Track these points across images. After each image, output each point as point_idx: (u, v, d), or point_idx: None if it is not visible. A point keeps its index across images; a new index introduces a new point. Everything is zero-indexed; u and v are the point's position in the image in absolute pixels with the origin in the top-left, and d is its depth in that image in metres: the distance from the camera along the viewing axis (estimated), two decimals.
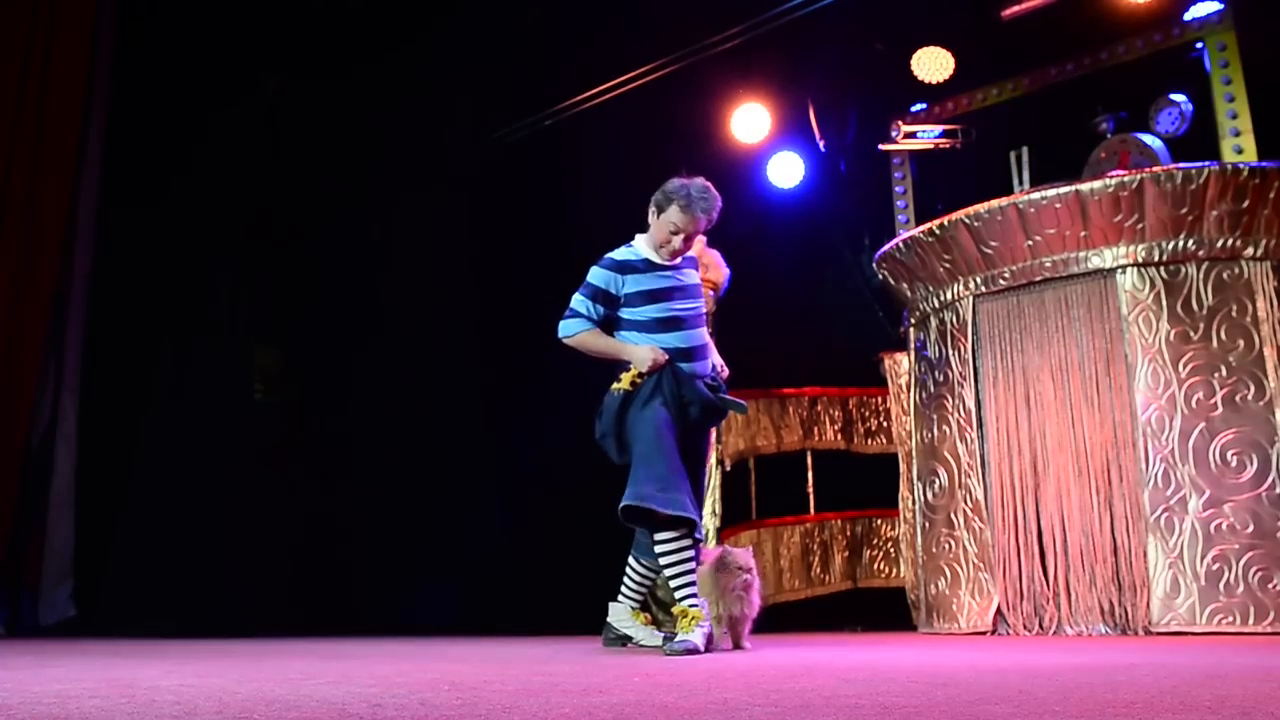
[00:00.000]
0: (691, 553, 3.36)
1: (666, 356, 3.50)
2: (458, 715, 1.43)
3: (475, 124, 6.93)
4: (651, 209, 3.57)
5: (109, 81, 6.68)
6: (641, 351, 3.51)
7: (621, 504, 3.28)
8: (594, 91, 6.54)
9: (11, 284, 6.12)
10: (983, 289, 4.82)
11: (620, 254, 3.62)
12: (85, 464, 6.33)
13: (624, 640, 3.82)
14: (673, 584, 3.38)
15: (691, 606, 3.32)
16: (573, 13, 6.59)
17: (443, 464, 6.62)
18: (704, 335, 3.65)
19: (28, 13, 6.31)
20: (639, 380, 3.49)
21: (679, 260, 3.62)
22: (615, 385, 3.51)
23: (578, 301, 3.60)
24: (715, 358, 3.78)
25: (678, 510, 3.27)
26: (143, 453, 6.34)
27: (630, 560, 3.86)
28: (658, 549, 3.38)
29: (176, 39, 6.68)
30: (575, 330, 3.59)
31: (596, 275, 3.58)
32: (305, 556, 6.95)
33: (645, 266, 3.57)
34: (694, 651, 3.18)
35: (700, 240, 3.84)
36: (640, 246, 3.62)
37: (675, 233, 3.49)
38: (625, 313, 3.60)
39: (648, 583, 3.87)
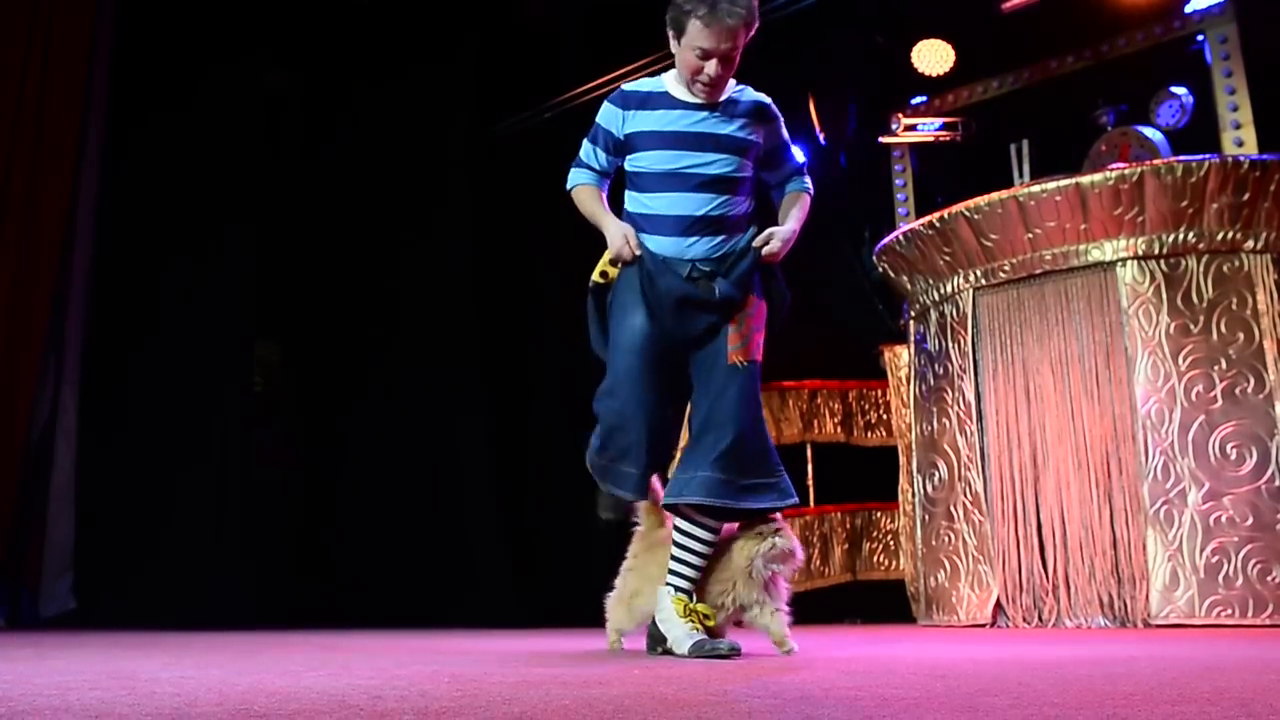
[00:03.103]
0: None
1: (636, 249, 2.71)
2: (457, 707, 1.43)
3: (476, 117, 6.92)
4: (669, 35, 2.71)
5: (107, 78, 6.68)
6: (613, 233, 2.75)
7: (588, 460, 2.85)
8: (595, 84, 6.52)
9: (11, 279, 6.12)
10: (983, 282, 4.82)
11: (634, 83, 2.86)
12: (85, 457, 6.34)
13: (662, 643, 2.76)
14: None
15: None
16: (574, 4, 6.58)
17: (443, 457, 6.62)
18: (716, 204, 2.72)
19: (26, 11, 6.30)
20: (611, 269, 2.79)
21: (723, 97, 2.75)
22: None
23: (582, 146, 2.90)
24: (780, 227, 2.85)
25: (624, 491, 2.74)
26: (143, 445, 6.35)
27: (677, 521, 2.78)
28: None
29: (175, 34, 6.68)
30: (573, 183, 2.91)
31: (601, 111, 2.85)
32: (305, 549, 6.96)
33: (664, 101, 2.75)
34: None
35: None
36: (668, 79, 2.80)
37: (705, 56, 2.61)
38: (631, 162, 2.81)
39: (695, 548, 2.73)
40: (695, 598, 2.74)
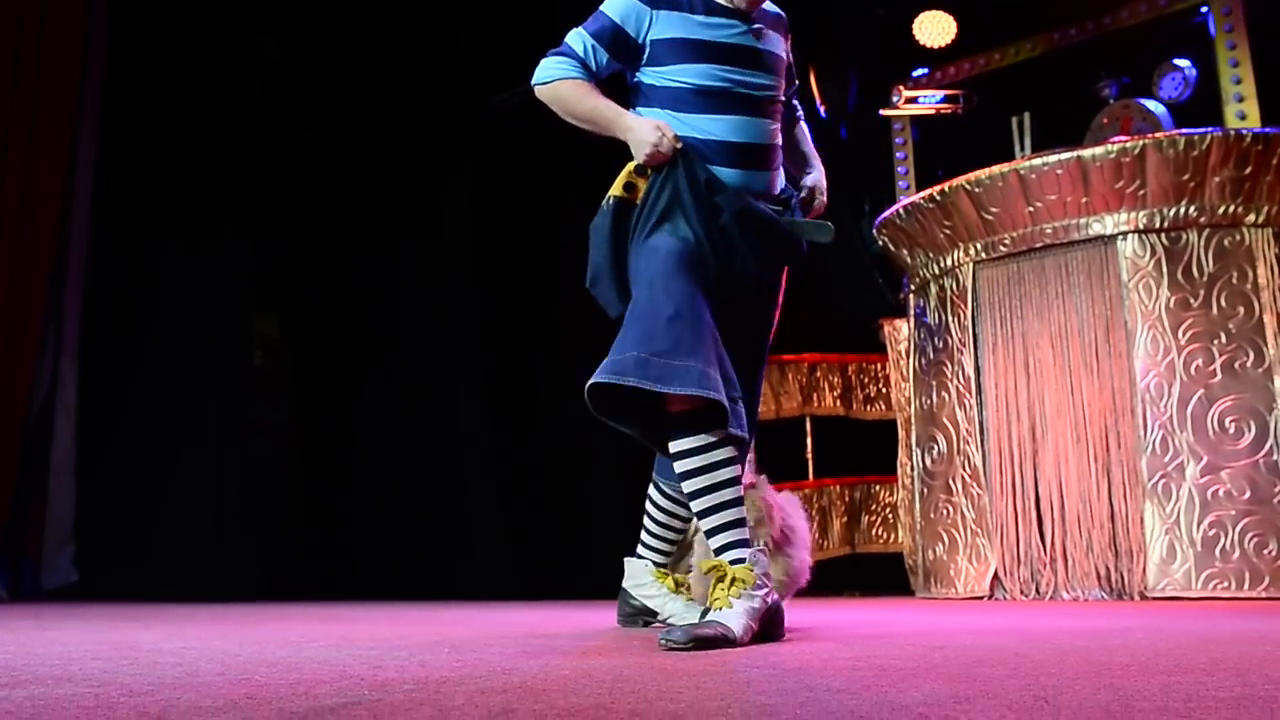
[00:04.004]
0: (730, 466, 2.07)
1: (675, 142, 2.18)
2: (457, 676, 1.44)
3: (474, 87, 6.88)
4: None
5: (103, 49, 6.64)
6: (641, 128, 2.19)
7: (588, 384, 2.03)
8: None
9: (9, 253, 6.11)
10: (983, 255, 4.81)
11: None
12: (86, 430, 6.35)
13: (644, 615, 2.63)
14: (701, 521, 2.10)
15: (735, 562, 2.04)
16: None
17: (443, 430, 6.63)
18: (772, 133, 2.30)
19: None
20: (640, 180, 2.24)
21: (755, 9, 2.33)
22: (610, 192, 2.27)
23: (573, 36, 2.33)
24: (812, 176, 2.49)
25: (688, 387, 1.96)
26: (143, 419, 6.36)
27: (650, 490, 2.62)
28: (675, 463, 2.11)
29: (173, 8, 6.63)
30: (553, 75, 2.30)
31: (613, 3, 2.31)
32: (306, 522, 6.98)
33: (699, 6, 2.28)
34: (718, 642, 1.89)
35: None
36: None
37: None
38: (649, 74, 2.30)
39: (676, 525, 2.61)
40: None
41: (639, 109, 2.33)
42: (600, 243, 2.27)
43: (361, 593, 6.06)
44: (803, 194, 2.44)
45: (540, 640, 2.21)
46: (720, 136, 2.22)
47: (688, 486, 2.09)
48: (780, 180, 2.36)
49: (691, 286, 2.11)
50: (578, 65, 2.31)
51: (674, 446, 2.09)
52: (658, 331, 2.02)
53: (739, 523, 2.08)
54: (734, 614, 1.97)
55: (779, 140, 2.35)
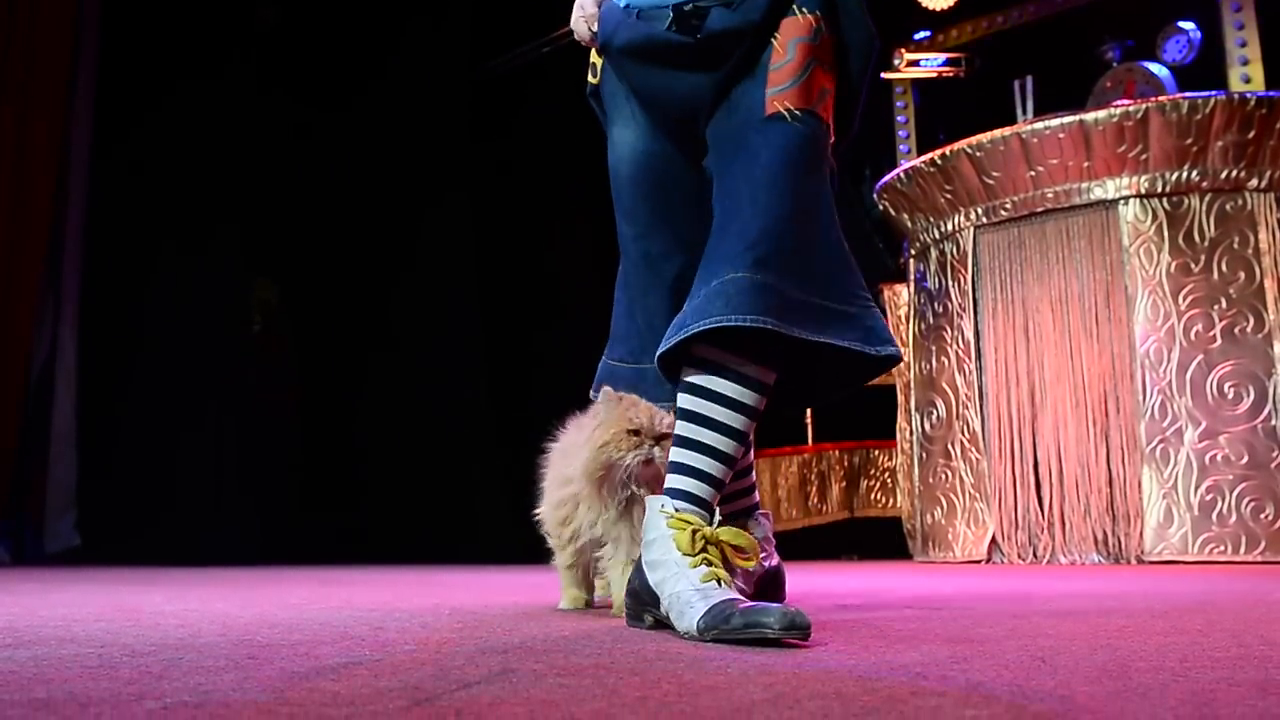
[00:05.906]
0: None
1: (591, 22, 1.89)
2: (459, 637, 1.45)
3: (470, 52, 6.83)
4: None
5: (98, 14, 6.58)
6: (572, 15, 1.95)
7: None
8: None
9: (7, 220, 6.09)
10: (984, 220, 4.79)
11: None
12: (86, 396, 6.36)
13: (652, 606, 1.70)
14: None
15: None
16: None
17: (443, 395, 6.64)
18: None
19: None
20: (597, 63, 1.95)
21: None
22: None
23: None
24: None
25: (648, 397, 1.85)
26: (142, 384, 6.36)
27: None
28: None
29: None
30: None
31: None
32: (307, 487, 7.00)
33: None
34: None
35: None
36: None
37: None
38: None
39: (723, 419, 1.66)
40: (715, 517, 1.72)
41: None
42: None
43: (363, 557, 6.09)
44: None
45: (540, 603, 2.23)
46: None
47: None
48: None
49: (640, 227, 1.86)
50: None
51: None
52: (619, 330, 2.02)
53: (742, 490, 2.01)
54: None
55: None
